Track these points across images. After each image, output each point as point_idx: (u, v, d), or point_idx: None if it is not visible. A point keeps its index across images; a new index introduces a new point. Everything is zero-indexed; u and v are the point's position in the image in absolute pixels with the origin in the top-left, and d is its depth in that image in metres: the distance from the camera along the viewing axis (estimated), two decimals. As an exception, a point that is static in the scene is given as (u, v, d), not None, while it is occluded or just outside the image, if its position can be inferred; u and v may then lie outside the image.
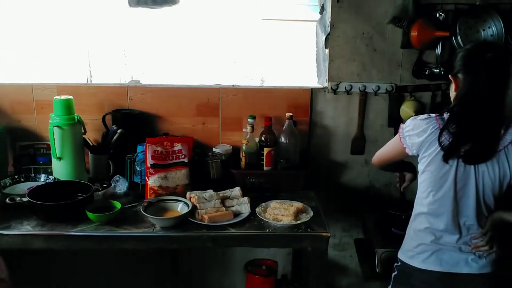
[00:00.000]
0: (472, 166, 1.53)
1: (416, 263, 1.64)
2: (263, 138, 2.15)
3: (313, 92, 2.33)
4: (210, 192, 1.96)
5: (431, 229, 1.62)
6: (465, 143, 1.50)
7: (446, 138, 1.52)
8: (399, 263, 1.72)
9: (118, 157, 2.15)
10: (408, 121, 1.65)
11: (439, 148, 1.53)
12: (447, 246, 1.61)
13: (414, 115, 2.25)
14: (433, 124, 1.55)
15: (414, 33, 2.17)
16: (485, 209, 1.58)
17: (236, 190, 2.01)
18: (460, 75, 1.56)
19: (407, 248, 1.70)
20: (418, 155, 1.62)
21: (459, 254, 1.60)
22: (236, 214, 1.88)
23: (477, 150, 1.51)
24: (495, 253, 1.59)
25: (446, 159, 1.53)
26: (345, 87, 2.31)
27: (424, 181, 1.62)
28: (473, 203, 1.56)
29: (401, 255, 1.72)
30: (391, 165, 1.87)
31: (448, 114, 1.55)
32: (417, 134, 1.59)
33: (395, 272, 1.75)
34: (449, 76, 1.60)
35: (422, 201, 1.64)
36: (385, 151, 1.80)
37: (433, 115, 1.58)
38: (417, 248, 1.65)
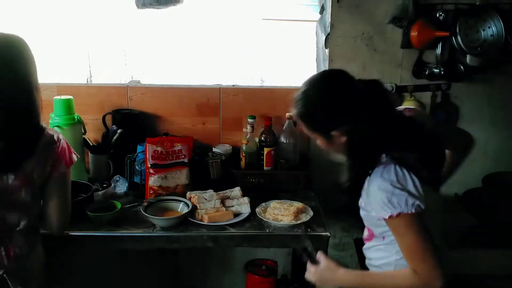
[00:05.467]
0: None
1: None
2: (263, 138, 2.15)
3: (313, 92, 2.33)
4: (210, 192, 1.97)
5: None
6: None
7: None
8: None
9: (118, 157, 2.15)
10: (397, 196, 1.28)
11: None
12: None
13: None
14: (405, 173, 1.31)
15: (414, 33, 2.17)
16: None
17: (236, 190, 2.01)
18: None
19: None
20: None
21: None
22: (236, 214, 1.88)
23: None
24: None
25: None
26: (345, 87, 2.30)
27: None
28: None
29: None
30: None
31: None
32: (412, 189, 1.29)
33: None
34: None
35: None
36: (425, 244, 1.30)
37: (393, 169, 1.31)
38: None
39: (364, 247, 1.58)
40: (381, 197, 1.29)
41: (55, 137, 1.50)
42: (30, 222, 1.50)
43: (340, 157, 1.44)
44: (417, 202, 1.27)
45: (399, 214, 1.27)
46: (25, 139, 1.42)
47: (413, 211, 1.26)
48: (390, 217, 1.27)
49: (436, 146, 1.40)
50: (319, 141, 1.45)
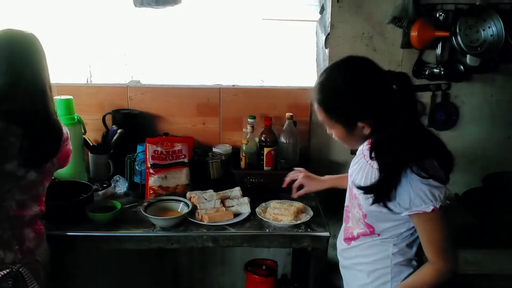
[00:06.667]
0: None
1: None
2: (263, 138, 2.15)
3: (313, 92, 2.33)
4: (210, 192, 1.97)
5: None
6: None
7: None
8: None
9: (118, 157, 2.15)
10: (438, 189, 1.28)
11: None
12: None
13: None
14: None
15: (414, 33, 2.17)
16: None
17: (236, 190, 2.02)
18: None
19: None
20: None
21: None
22: (236, 214, 1.88)
23: None
24: None
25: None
26: (345, 87, 2.30)
27: None
28: None
29: None
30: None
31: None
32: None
33: None
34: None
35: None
36: (448, 233, 1.32)
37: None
38: None
39: (345, 248, 1.53)
40: (424, 191, 1.25)
41: (67, 135, 1.54)
42: (39, 214, 1.55)
43: (356, 146, 1.42)
44: (448, 193, 1.28)
45: (440, 207, 1.26)
46: (49, 138, 1.46)
47: (448, 202, 1.28)
48: (433, 210, 1.25)
49: (444, 147, 1.35)
50: (336, 131, 1.37)
